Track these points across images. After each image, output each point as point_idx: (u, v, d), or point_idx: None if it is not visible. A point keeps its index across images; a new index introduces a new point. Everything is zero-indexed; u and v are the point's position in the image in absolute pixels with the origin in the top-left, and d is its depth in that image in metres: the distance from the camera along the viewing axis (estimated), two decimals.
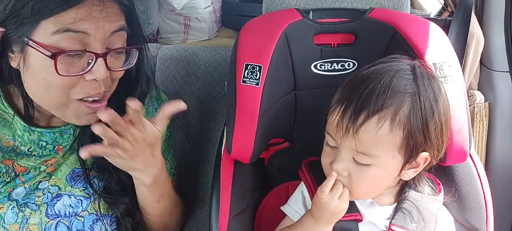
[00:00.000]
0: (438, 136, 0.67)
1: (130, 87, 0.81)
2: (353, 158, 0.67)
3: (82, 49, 0.66)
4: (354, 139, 0.65)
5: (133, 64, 0.75)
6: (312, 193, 0.74)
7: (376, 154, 0.65)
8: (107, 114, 0.66)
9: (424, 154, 0.68)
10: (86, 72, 0.67)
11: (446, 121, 0.69)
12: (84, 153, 0.68)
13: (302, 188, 0.78)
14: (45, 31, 0.65)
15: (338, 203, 0.68)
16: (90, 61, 0.67)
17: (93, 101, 0.71)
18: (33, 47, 0.65)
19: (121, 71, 0.75)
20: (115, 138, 0.67)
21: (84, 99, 0.70)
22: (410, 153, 0.66)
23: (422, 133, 0.65)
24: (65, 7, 0.64)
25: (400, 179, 0.72)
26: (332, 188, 0.68)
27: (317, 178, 0.76)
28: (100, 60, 0.67)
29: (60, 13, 0.64)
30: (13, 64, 0.70)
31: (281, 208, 0.79)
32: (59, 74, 0.65)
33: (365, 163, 0.66)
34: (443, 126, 0.68)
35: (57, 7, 0.64)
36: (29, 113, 0.75)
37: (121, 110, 0.78)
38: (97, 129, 0.66)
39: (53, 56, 0.64)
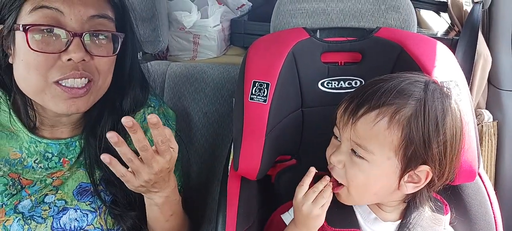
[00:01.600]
0: (441, 150, 0.66)
1: (122, 92, 0.81)
2: (351, 150, 0.68)
3: (55, 25, 0.68)
4: (351, 129, 0.66)
5: (117, 52, 0.75)
6: None
7: (371, 149, 0.66)
8: (137, 134, 0.62)
9: (425, 167, 0.66)
10: (62, 51, 0.69)
11: (454, 137, 0.67)
12: (107, 157, 0.64)
13: None
14: (25, 12, 0.69)
15: (312, 207, 0.68)
16: (67, 42, 0.69)
17: (72, 88, 0.70)
18: (14, 30, 0.69)
19: (106, 62, 0.74)
20: (142, 170, 0.65)
21: (62, 82, 0.70)
22: (408, 160, 0.66)
23: (422, 141, 0.64)
24: None
25: (405, 196, 0.72)
26: (308, 191, 0.69)
27: None
28: (76, 40, 0.69)
29: None
30: (10, 60, 0.73)
31: (281, 215, 0.79)
32: (30, 48, 0.67)
33: (360, 155, 0.67)
34: (448, 141, 0.66)
35: None
36: (28, 113, 0.76)
37: (115, 115, 0.79)
38: (124, 155, 0.64)
39: (25, 30, 0.67)
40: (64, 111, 0.72)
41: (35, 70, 0.69)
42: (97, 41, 0.72)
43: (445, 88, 0.69)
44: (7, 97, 0.77)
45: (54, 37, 0.69)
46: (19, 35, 0.69)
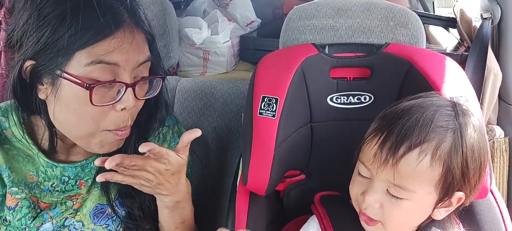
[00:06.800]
0: (476, 175, 0.65)
1: (150, 113, 0.82)
2: (387, 190, 0.65)
3: (113, 79, 0.68)
4: (392, 170, 0.63)
5: (157, 92, 0.76)
6: (324, 227, 0.73)
7: (413, 188, 0.63)
8: (117, 162, 0.64)
9: (459, 194, 0.66)
10: (117, 102, 0.69)
11: (484, 160, 0.67)
12: (101, 177, 0.66)
13: (312, 222, 0.77)
14: (79, 63, 0.66)
15: None
16: (120, 90, 0.69)
17: (121, 131, 0.73)
18: (67, 79, 0.66)
19: (144, 100, 0.76)
20: (135, 173, 0.68)
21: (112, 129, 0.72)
22: (445, 190, 0.64)
23: (461, 171, 0.63)
24: (99, 38, 0.66)
25: (429, 217, 0.70)
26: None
27: (330, 212, 0.75)
28: (129, 89, 0.70)
29: (93, 45, 0.66)
30: (41, 95, 0.71)
31: None
32: (93, 104, 0.67)
33: (400, 196, 0.64)
34: (482, 165, 0.66)
35: (91, 39, 0.65)
36: (53, 144, 0.76)
37: (141, 135, 0.81)
38: (110, 165, 0.64)
39: (89, 88, 0.66)
40: (107, 151, 0.74)
41: (90, 119, 0.69)
42: (142, 86, 0.74)
43: (463, 106, 0.68)
44: (21, 121, 0.76)
45: (109, 89, 0.69)
46: (70, 85, 0.67)
